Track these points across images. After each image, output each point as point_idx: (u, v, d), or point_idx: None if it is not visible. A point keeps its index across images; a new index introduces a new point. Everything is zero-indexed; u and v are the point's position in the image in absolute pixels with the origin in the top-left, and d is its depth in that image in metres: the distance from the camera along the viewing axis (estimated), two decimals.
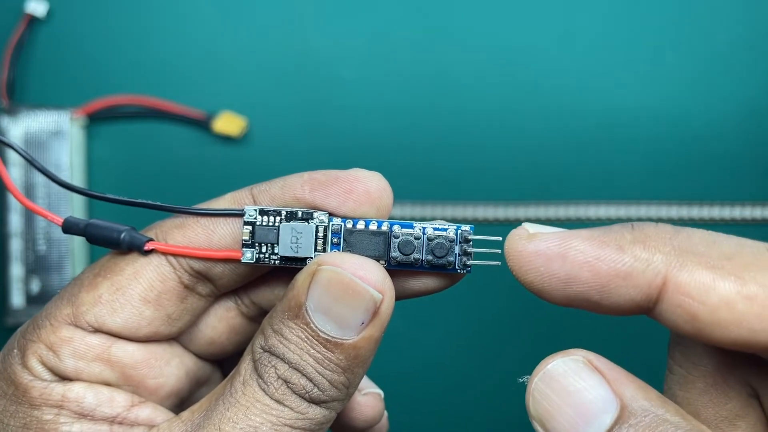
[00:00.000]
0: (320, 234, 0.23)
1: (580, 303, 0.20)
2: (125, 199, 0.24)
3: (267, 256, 0.23)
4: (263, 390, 0.22)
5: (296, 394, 0.21)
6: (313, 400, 0.22)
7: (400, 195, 0.47)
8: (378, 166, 0.47)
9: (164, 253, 0.23)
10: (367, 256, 0.23)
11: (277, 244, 0.23)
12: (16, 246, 0.44)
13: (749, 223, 0.47)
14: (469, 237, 0.23)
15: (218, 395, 0.22)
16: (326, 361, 0.21)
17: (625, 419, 0.18)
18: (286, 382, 0.21)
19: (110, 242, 0.23)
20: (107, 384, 0.23)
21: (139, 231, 0.24)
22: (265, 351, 0.22)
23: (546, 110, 0.47)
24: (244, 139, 0.47)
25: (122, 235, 0.23)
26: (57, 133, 0.45)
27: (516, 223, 0.46)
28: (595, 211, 0.47)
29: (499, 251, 0.23)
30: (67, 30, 0.47)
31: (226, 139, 0.47)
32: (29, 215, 0.44)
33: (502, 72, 0.47)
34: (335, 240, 0.23)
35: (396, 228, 0.23)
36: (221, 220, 0.24)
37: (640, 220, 0.47)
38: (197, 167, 0.47)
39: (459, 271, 0.23)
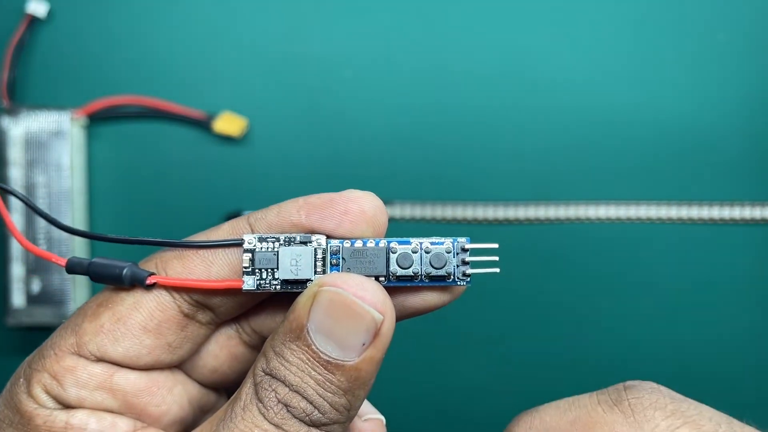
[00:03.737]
0: (319, 256, 0.24)
1: None
2: (124, 237, 0.25)
3: (267, 281, 0.24)
4: (263, 414, 0.22)
5: (296, 417, 0.22)
6: (313, 424, 0.22)
7: (400, 195, 0.47)
8: (378, 167, 0.47)
9: (166, 287, 0.24)
10: (367, 273, 0.23)
11: (277, 268, 0.23)
12: (16, 246, 0.44)
13: (749, 223, 0.47)
14: (466, 246, 0.24)
15: (219, 419, 0.22)
16: (327, 383, 0.22)
17: None
18: (286, 405, 0.22)
19: (113, 279, 0.24)
20: (110, 412, 0.24)
21: (139, 261, 0.25)
22: (267, 374, 0.22)
23: (546, 110, 0.47)
24: (244, 139, 0.47)
25: (124, 272, 0.24)
26: (57, 134, 0.45)
27: (516, 223, 0.46)
28: (595, 211, 0.47)
29: (497, 258, 0.24)
30: (67, 30, 0.47)
31: (227, 139, 0.47)
32: (29, 215, 0.44)
33: (503, 72, 0.47)
34: (334, 261, 0.24)
35: (393, 244, 0.24)
36: (220, 249, 0.24)
37: (639, 220, 0.47)
38: (197, 167, 0.47)
39: (458, 282, 0.24)
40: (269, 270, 0.23)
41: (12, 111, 0.45)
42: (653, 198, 0.47)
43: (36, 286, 0.45)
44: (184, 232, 0.43)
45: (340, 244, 0.23)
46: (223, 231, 0.24)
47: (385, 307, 0.22)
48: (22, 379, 0.24)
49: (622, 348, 0.47)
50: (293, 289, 0.24)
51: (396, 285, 0.24)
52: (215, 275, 0.24)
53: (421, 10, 0.47)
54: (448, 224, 0.46)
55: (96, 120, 0.46)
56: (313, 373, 0.22)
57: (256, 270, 0.23)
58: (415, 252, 0.24)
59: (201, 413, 0.27)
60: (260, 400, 0.22)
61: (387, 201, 0.46)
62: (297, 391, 0.22)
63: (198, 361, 0.26)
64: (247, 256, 0.23)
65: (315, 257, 0.23)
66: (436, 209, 0.47)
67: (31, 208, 0.25)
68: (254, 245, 0.23)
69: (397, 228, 0.46)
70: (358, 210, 0.24)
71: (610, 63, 0.47)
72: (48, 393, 0.23)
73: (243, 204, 0.46)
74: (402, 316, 0.24)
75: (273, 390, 0.22)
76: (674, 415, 0.25)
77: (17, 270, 0.45)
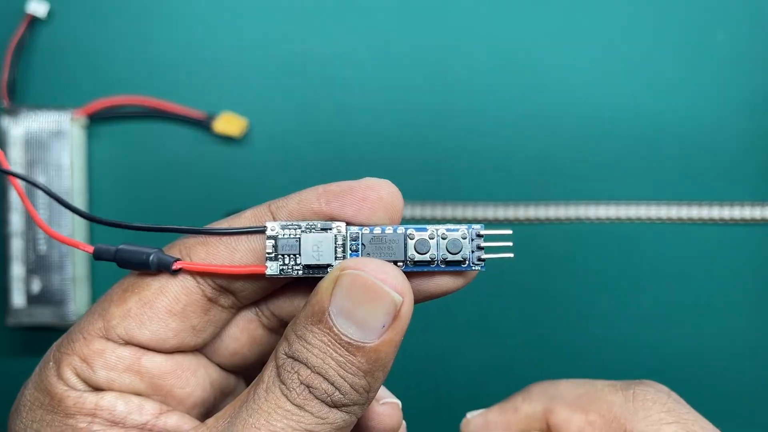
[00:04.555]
0: (339, 242, 0.24)
1: None
2: (153, 226, 0.25)
3: (290, 266, 0.24)
4: (285, 396, 0.22)
5: (318, 399, 0.22)
6: (334, 404, 0.22)
7: None
8: (378, 166, 0.47)
9: (191, 272, 0.25)
10: (386, 259, 0.24)
11: (300, 254, 0.24)
12: (16, 246, 0.44)
13: (749, 223, 0.47)
14: (481, 232, 0.25)
15: (242, 402, 0.23)
16: (348, 365, 0.22)
17: None
18: (308, 386, 0.22)
19: (139, 265, 0.24)
20: (137, 394, 0.25)
21: (163, 247, 0.25)
22: (289, 357, 0.23)
23: (546, 110, 0.47)
24: (245, 139, 0.47)
25: (151, 257, 0.24)
26: (58, 134, 0.45)
27: (516, 223, 0.46)
28: (595, 211, 0.47)
29: (511, 244, 0.25)
30: (67, 30, 0.47)
31: (227, 140, 0.47)
32: (33, 202, 0.44)
33: (503, 72, 0.47)
34: (354, 247, 0.25)
35: (411, 231, 0.25)
36: (243, 236, 0.25)
37: (639, 220, 0.47)
38: (197, 167, 0.47)
39: (473, 267, 0.25)
40: (292, 255, 0.24)
41: (12, 111, 0.45)
42: (653, 198, 0.47)
43: (36, 286, 0.45)
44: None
45: (359, 231, 0.24)
46: (245, 218, 0.25)
47: (404, 289, 0.23)
48: (51, 363, 0.24)
49: (621, 347, 0.47)
50: (315, 273, 0.24)
51: (413, 270, 0.25)
52: (238, 261, 0.25)
53: (421, 10, 0.47)
54: (448, 224, 0.46)
55: (96, 120, 0.46)
56: (335, 354, 0.22)
57: (279, 256, 0.24)
58: (431, 238, 0.25)
59: (222, 396, 0.28)
60: (283, 382, 0.22)
61: None
62: (319, 373, 0.22)
63: (219, 344, 0.27)
64: (270, 242, 0.24)
65: (336, 243, 0.24)
66: (436, 209, 0.47)
67: (57, 200, 0.26)
68: (277, 232, 0.24)
69: None
70: (377, 197, 0.25)
71: (610, 63, 0.47)
72: (78, 375, 0.24)
73: (243, 204, 0.46)
74: (418, 300, 0.25)
75: (296, 372, 0.22)
76: (669, 413, 0.28)
77: (17, 270, 0.45)
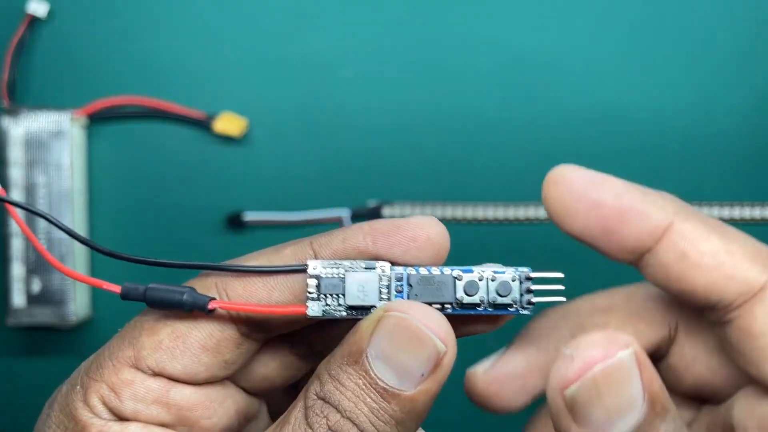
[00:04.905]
0: (384, 282, 0.24)
1: (597, 231, 0.25)
2: (184, 263, 0.24)
3: (333, 307, 0.24)
4: None
5: None
6: None
7: (400, 195, 0.47)
8: (378, 167, 0.47)
9: (228, 311, 0.24)
10: (434, 300, 0.24)
11: (344, 294, 0.23)
12: (16, 246, 0.44)
13: (749, 223, 0.47)
14: (531, 275, 0.24)
15: None
16: (381, 412, 0.21)
17: (651, 419, 0.20)
18: None
19: (172, 304, 0.24)
20: (162, 425, 0.24)
21: (194, 278, 0.25)
22: (319, 398, 0.22)
23: (546, 110, 0.47)
24: (245, 139, 0.47)
25: (184, 297, 0.23)
26: (58, 134, 0.45)
27: (516, 223, 0.46)
28: None
29: (563, 287, 0.24)
30: (68, 30, 0.47)
31: (227, 140, 0.47)
32: (30, 215, 0.44)
33: (503, 72, 0.47)
34: (399, 288, 0.24)
35: (458, 272, 0.24)
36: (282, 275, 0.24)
37: None
38: (197, 167, 0.47)
39: (521, 311, 0.24)
40: (335, 296, 0.24)
41: (12, 111, 0.45)
42: None
43: (36, 286, 0.45)
44: (184, 233, 0.44)
45: (405, 271, 0.24)
46: (285, 255, 0.24)
47: (448, 338, 0.22)
48: (78, 387, 0.24)
49: None
50: (358, 315, 0.24)
51: (460, 313, 0.24)
52: (276, 299, 0.24)
53: (421, 10, 0.47)
54: (448, 224, 0.46)
55: (96, 120, 0.46)
56: (368, 399, 0.21)
57: (321, 295, 0.24)
58: (480, 280, 0.24)
59: (245, 421, 0.27)
60: (310, 425, 0.22)
61: (387, 201, 0.46)
62: (349, 418, 0.21)
63: (248, 370, 0.26)
64: (313, 281, 0.23)
65: (380, 283, 0.24)
66: (436, 209, 0.47)
67: (52, 223, 0.25)
68: (320, 271, 0.23)
69: None
70: (425, 237, 0.24)
71: (610, 63, 0.47)
72: (105, 404, 0.23)
73: (243, 204, 0.46)
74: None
75: (324, 416, 0.21)
76: None
77: (17, 270, 0.45)
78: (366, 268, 0.24)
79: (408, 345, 0.21)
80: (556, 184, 0.25)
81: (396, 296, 0.24)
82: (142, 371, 0.24)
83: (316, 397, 0.22)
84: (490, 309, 0.24)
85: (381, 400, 0.21)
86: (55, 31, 0.47)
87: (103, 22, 0.47)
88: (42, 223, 0.44)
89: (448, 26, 0.47)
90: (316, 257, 0.24)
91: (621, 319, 0.27)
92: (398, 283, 0.24)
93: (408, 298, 0.24)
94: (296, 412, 0.22)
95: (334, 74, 0.47)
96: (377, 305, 0.23)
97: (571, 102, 0.47)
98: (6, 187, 0.44)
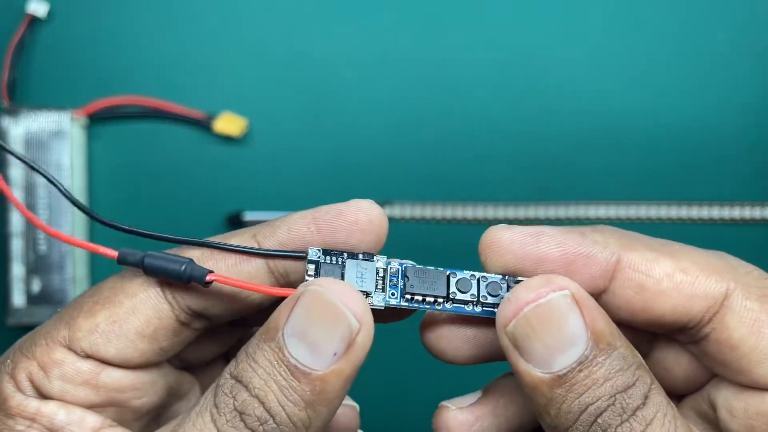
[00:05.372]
0: (380, 274, 0.24)
1: None
2: (179, 237, 0.25)
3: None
4: (214, 421, 0.21)
5: (248, 428, 0.21)
6: None
7: (400, 195, 0.47)
8: (378, 167, 0.47)
9: (224, 284, 0.24)
10: (427, 294, 0.24)
11: (343, 279, 0.24)
12: (16, 246, 0.44)
13: (749, 223, 0.47)
14: (519, 278, 0.24)
15: (177, 424, 0.22)
16: (290, 391, 0.21)
17: (595, 354, 0.21)
18: (240, 413, 0.21)
19: (169, 274, 0.23)
20: (91, 406, 0.24)
21: (176, 249, 0.25)
22: (232, 377, 0.22)
23: (546, 111, 0.47)
24: (245, 139, 0.47)
25: (183, 267, 0.23)
26: (58, 134, 0.45)
27: (516, 223, 0.46)
28: (595, 211, 0.47)
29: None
30: (67, 30, 0.47)
31: (227, 139, 0.47)
32: (30, 201, 0.44)
33: (503, 72, 0.47)
34: (394, 281, 0.24)
35: (449, 272, 0.24)
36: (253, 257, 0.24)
37: (639, 220, 0.47)
38: (197, 167, 0.47)
39: None
40: None
41: (12, 111, 0.45)
42: (653, 198, 0.47)
43: (36, 286, 0.45)
44: (184, 232, 0.43)
45: (399, 267, 0.24)
46: (234, 242, 0.24)
47: (364, 316, 0.22)
48: (9, 361, 0.24)
49: None
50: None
51: (452, 311, 0.24)
52: (245, 275, 0.24)
53: (422, 9, 0.47)
54: (448, 224, 0.46)
55: (96, 120, 0.46)
56: (279, 377, 0.21)
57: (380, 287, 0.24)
58: (473, 278, 0.24)
59: (176, 399, 0.27)
60: (216, 405, 0.21)
61: (387, 201, 0.46)
62: (257, 396, 0.21)
63: (184, 351, 0.26)
64: (312, 266, 0.23)
65: (377, 274, 0.24)
66: (436, 209, 0.47)
67: (61, 192, 0.25)
68: (319, 257, 0.24)
69: (398, 228, 0.46)
70: (367, 220, 0.24)
71: (610, 64, 0.47)
72: (31, 381, 0.24)
73: (243, 204, 0.46)
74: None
75: (233, 396, 0.21)
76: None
77: (17, 270, 0.45)
78: (364, 259, 0.24)
79: (321, 319, 0.21)
80: (491, 248, 0.24)
81: (390, 288, 0.24)
82: (75, 352, 0.24)
83: (229, 377, 0.22)
84: (477, 309, 0.24)
85: (291, 378, 0.21)
86: (55, 31, 0.47)
87: (103, 22, 0.47)
88: (41, 208, 0.44)
89: (449, 27, 0.47)
90: (259, 247, 0.24)
91: None
92: (394, 276, 0.24)
93: (404, 288, 0.24)
94: (208, 392, 0.22)
95: (335, 74, 0.47)
96: (372, 290, 0.24)
97: (571, 103, 0.47)
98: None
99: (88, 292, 0.25)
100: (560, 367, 0.21)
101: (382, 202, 0.46)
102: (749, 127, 0.47)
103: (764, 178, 0.47)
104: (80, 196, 0.46)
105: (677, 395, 0.26)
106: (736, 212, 0.47)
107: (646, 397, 0.21)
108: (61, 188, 0.25)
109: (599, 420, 0.21)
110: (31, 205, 0.44)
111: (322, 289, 0.22)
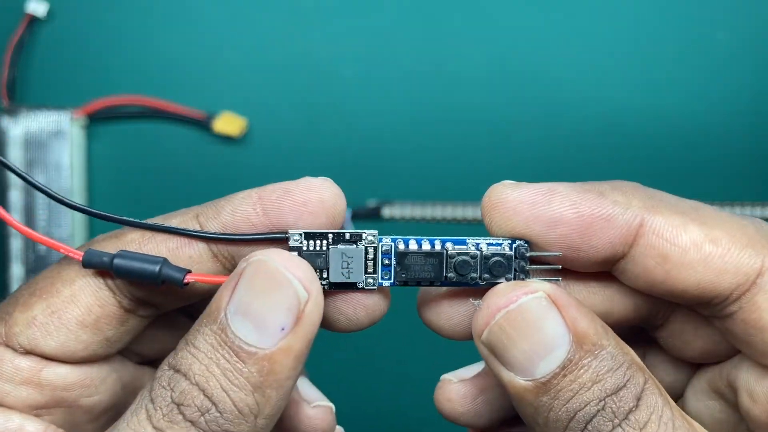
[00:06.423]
0: (370, 256, 0.22)
1: (560, 249, 0.21)
2: (152, 224, 0.22)
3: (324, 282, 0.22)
4: (149, 417, 0.19)
5: (187, 420, 0.19)
6: (207, 428, 0.19)
7: (400, 195, 0.47)
8: (378, 166, 0.47)
9: (204, 284, 0.22)
10: (422, 277, 0.22)
11: (327, 270, 0.21)
12: (16, 246, 0.44)
13: None
14: (527, 254, 0.22)
15: (114, 425, 0.20)
16: (235, 374, 0.19)
17: (579, 356, 0.20)
18: (178, 405, 0.19)
19: (142, 275, 0.21)
20: (36, 408, 0.22)
21: (99, 236, 0.23)
22: (171, 368, 0.20)
23: (546, 111, 0.47)
24: (244, 139, 0.47)
25: (157, 268, 0.21)
26: (57, 133, 0.45)
27: None
28: None
29: (560, 267, 0.22)
30: (67, 30, 0.47)
31: (226, 139, 0.47)
32: (29, 215, 0.44)
33: (503, 72, 0.47)
34: (386, 261, 0.22)
35: (449, 245, 0.22)
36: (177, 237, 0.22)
37: None
38: (197, 167, 0.47)
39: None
40: (318, 271, 0.21)
41: (12, 111, 0.45)
42: None
43: None
44: None
45: (392, 244, 0.22)
46: (172, 223, 0.23)
47: (312, 286, 0.20)
48: None
49: None
50: (342, 291, 0.22)
51: (447, 285, 0.22)
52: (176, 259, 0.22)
53: (420, 9, 0.47)
54: (448, 224, 0.46)
55: (96, 120, 0.46)
56: (222, 361, 0.19)
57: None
58: (473, 258, 0.22)
59: (133, 395, 0.24)
60: (152, 400, 0.19)
61: (387, 201, 0.46)
62: (197, 383, 0.19)
63: (136, 342, 0.24)
64: (294, 253, 0.21)
65: (366, 258, 0.22)
66: (436, 209, 0.46)
67: (46, 195, 0.24)
68: (300, 242, 0.21)
69: (397, 228, 0.46)
70: (318, 199, 0.22)
71: (610, 63, 0.47)
72: None
73: None
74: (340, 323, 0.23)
75: (170, 388, 0.19)
76: None
77: (17, 270, 0.45)
78: (351, 240, 0.22)
79: (265, 290, 0.19)
80: (496, 209, 0.22)
81: (383, 270, 0.22)
82: (13, 349, 0.22)
83: (167, 368, 0.20)
84: (481, 282, 0.22)
85: (236, 360, 0.19)
86: (55, 31, 0.47)
87: (102, 22, 0.47)
88: (42, 223, 0.44)
89: (448, 27, 0.47)
90: (202, 230, 0.22)
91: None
92: (386, 255, 0.22)
93: (395, 275, 0.22)
94: (144, 389, 0.20)
95: (334, 75, 0.47)
96: (362, 280, 0.22)
97: (571, 102, 0.47)
98: (5, 188, 0.44)
99: (24, 285, 0.23)
100: (543, 373, 0.19)
101: (381, 202, 0.46)
102: (749, 127, 0.47)
103: (764, 178, 0.47)
104: (80, 195, 0.46)
105: (693, 364, 0.24)
106: (736, 212, 0.47)
107: (638, 399, 0.19)
108: (33, 181, 0.23)
109: (589, 427, 0.19)
110: (30, 205, 0.44)
111: (265, 257, 0.20)
